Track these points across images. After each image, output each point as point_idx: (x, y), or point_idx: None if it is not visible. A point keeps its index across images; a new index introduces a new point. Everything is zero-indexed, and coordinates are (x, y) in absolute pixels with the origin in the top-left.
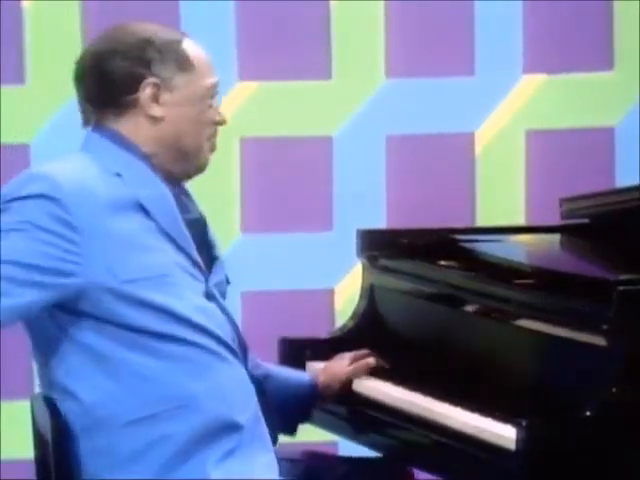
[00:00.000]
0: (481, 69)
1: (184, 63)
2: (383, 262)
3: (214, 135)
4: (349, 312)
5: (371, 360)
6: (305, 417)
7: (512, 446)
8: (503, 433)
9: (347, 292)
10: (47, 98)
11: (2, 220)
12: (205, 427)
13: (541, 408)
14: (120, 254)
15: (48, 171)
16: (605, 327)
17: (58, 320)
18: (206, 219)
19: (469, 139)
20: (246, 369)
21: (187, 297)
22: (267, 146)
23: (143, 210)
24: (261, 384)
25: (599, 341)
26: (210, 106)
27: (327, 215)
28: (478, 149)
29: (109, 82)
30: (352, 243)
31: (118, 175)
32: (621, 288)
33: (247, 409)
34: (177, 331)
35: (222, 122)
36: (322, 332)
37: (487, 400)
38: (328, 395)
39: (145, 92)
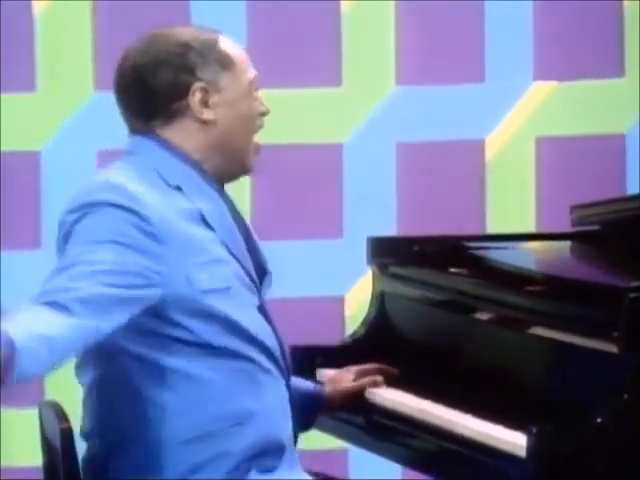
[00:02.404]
0: (491, 76)
1: (225, 62)
2: (393, 269)
3: (261, 127)
4: (359, 319)
5: (378, 378)
6: (307, 426)
7: (523, 453)
8: (514, 440)
9: (357, 299)
10: (58, 105)
11: (86, 227)
12: (257, 445)
13: (552, 415)
14: (195, 264)
15: (119, 181)
16: (616, 334)
17: (119, 335)
18: (248, 225)
19: (479, 146)
20: (288, 384)
21: (248, 311)
22: (278, 153)
23: (205, 223)
24: None
25: (610, 348)
26: (256, 99)
27: (337, 222)
28: (488, 156)
29: (156, 94)
30: (362, 250)
31: (178, 189)
32: (632, 295)
33: (287, 428)
34: (239, 346)
35: (267, 112)
36: (333, 339)
37: (498, 407)
38: (332, 407)
39: (195, 98)
